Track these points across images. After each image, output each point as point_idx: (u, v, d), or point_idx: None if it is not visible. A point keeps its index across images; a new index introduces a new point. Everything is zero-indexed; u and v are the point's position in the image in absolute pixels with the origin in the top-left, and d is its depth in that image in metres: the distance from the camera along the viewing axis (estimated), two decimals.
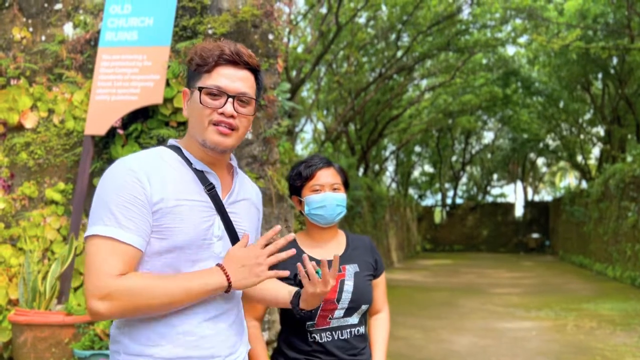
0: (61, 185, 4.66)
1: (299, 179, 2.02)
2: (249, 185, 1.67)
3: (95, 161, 4.58)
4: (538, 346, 6.52)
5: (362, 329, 2.02)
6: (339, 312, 1.95)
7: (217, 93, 1.46)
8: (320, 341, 1.95)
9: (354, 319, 1.99)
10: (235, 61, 1.48)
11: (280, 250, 1.47)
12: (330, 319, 1.95)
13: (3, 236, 4.64)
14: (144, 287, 1.35)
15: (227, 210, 1.52)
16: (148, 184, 1.39)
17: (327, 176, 2.01)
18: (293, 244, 2.04)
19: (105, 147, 4.66)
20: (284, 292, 1.70)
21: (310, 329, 1.95)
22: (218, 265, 1.43)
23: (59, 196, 4.64)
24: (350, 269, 2.01)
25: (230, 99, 1.46)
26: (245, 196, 1.61)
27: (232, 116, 1.46)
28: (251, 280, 1.43)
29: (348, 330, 1.97)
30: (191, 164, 1.50)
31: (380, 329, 2.15)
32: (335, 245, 2.08)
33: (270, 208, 4.49)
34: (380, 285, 2.14)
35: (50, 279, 4.04)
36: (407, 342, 6.73)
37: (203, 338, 1.44)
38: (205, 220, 1.46)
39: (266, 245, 1.45)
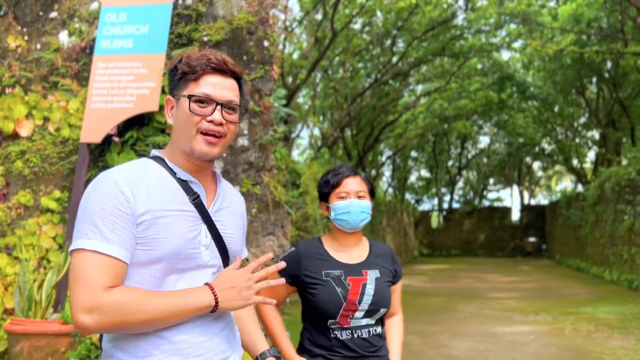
0: (57, 194, 4.65)
1: (326, 186, 2.17)
2: (232, 192, 1.68)
3: (91, 169, 4.57)
4: (536, 350, 6.52)
5: (379, 329, 2.15)
6: (359, 314, 2.07)
7: (206, 101, 1.47)
8: (340, 338, 2.06)
9: (372, 320, 2.12)
10: (222, 69, 1.50)
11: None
12: (350, 318, 2.07)
13: None
14: (132, 301, 1.33)
15: (213, 218, 1.52)
16: (132, 196, 1.38)
17: (352, 184, 2.13)
18: (319, 245, 2.17)
19: (101, 155, 4.65)
20: (257, 347, 1.72)
21: (332, 327, 2.07)
22: (207, 284, 1.43)
23: (54, 204, 4.63)
24: (372, 274, 2.14)
25: (219, 107, 1.48)
26: (229, 203, 1.62)
27: (220, 124, 1.48)
28: (238, 303, 1.44)
29: (367, 330, 2.10)
30: (175, 174, 1.50)
31: (395, 330, 2.28)
32: (359, 250, 2.20)
33: (267, 214, 4.49)
34: (397, 291, 2.28)
35: (46, 288, 4.03)
36: (405, 347, 6.68)
37: (195, 345, 1.44)
38: (192, 230, 1.46)
39: (257, 269, 1.47)
